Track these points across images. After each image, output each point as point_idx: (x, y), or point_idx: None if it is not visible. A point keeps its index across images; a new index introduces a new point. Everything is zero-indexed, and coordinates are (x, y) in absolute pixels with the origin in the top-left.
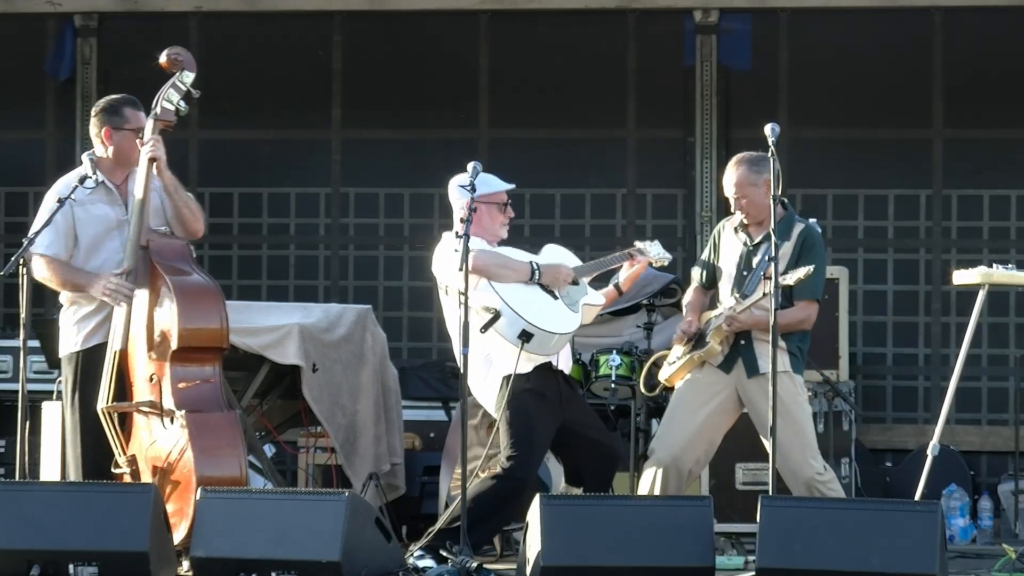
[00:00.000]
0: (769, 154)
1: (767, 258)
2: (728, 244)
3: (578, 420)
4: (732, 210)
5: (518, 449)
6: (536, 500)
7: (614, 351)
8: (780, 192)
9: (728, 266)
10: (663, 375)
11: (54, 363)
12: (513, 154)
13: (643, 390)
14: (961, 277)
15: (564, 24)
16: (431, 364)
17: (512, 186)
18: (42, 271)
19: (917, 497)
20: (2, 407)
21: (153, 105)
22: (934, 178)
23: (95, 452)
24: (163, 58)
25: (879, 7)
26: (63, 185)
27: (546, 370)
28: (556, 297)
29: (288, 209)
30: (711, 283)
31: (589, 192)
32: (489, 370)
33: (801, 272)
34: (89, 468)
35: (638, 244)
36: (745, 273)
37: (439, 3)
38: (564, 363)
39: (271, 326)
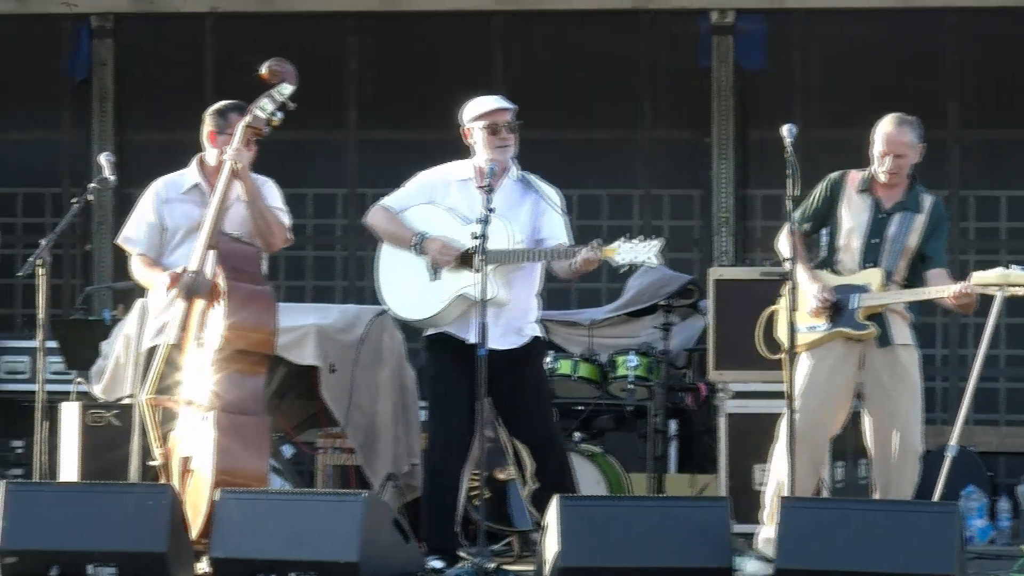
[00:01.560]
0: (787, 155)
1: (903, 231)
2: (850, 205)
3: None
4: (878, 167)
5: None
6: (554, 501)
7: (631, 352)
8: (798, 192)
9: (853, 230)
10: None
11: (72, 364)
12: (529, 155)
13: (764, 351)
14: (979, 278)
15: (579, 25)
16: None
17: (499, 105)
18: (137, 270)
19: (935, 498)
20: (21, 408)
21: (246, 112)
22: (951, 179)
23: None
24: (264, 69)
25: (894, 7)
26: (162, 185)
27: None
28: (435, 277)
29: (305, 210)
30: (812, 230)
31: (605, 193)
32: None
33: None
34: (144, 463)
35: (611, 245)
36: (875, 241)
37: (453, 4)
38: (502, 340)
39: (288, 327)
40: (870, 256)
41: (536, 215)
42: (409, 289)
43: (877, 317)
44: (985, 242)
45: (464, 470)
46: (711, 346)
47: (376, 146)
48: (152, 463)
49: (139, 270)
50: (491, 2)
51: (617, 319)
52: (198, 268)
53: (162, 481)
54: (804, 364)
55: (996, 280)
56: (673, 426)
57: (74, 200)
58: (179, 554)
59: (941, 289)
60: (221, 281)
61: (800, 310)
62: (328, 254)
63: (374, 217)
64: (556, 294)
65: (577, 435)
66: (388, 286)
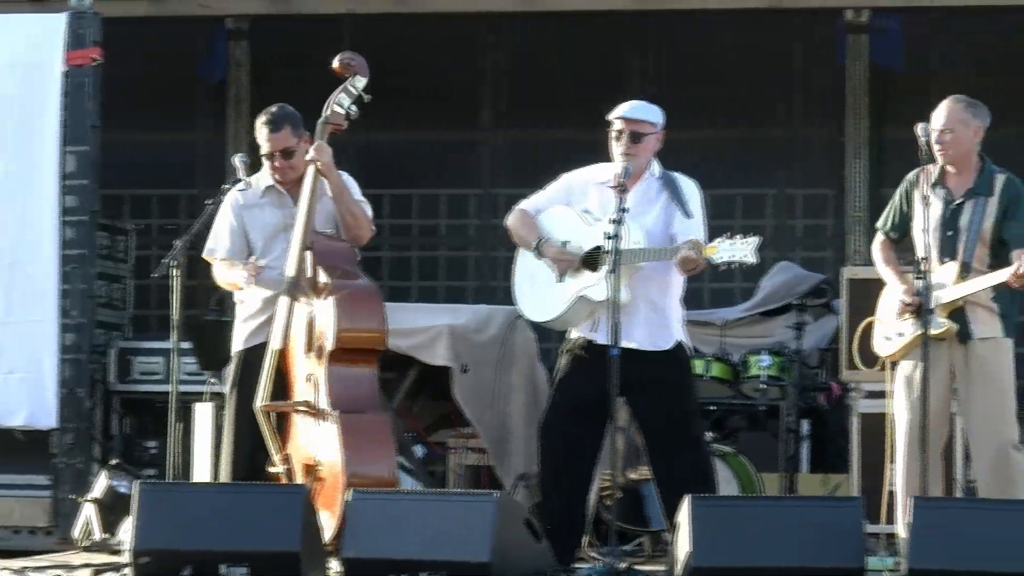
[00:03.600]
0: (922, 154)
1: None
2: (924, 200)
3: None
4: (934, 149)
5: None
6: (686, 501)
7: (764, 351)
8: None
9: (927, 225)
10: (885, 351)
11: (206, 364)
12: (663, 155)
13: (860, 366)
14: None
15: (714, 24)
16: None
17: (620, 114)
18: (221, 275)
19: None
20: (154, 408)
21: (324, 108)
22: None
23: (252, 451)
24: (336, 63)
25: None
26: (238, 191)
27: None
28: (560, 279)
29: (439, 211)
30: (902, 236)
31: (739, 192)
32: None
33: None
34: (243, 467)
35: (710, 243)
36: (950, 233)
37: (589, 4)
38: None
39: (421, 327)
40: (947, 250)
41: (669, 214)
42: (537, 291)
43: (959, 312)
44: None
45: (575, 468)
46: (844, 345)
47: (510, 147)
48: (273, 470)
49: (221, 273)
50: (627, 2)
51: (750, 319)
52: (296, 270)
53: None
54: (901, 372)
55: None
56: (805, 426)
57: (208, 202)
58: (311, 554)
59: (999, 273)
60: (325, 281)
61: (891, 317)
62: (461, 254)
63: (510, 219)
64: (689, 294)
65: (709, 435)
66: (520, 288)
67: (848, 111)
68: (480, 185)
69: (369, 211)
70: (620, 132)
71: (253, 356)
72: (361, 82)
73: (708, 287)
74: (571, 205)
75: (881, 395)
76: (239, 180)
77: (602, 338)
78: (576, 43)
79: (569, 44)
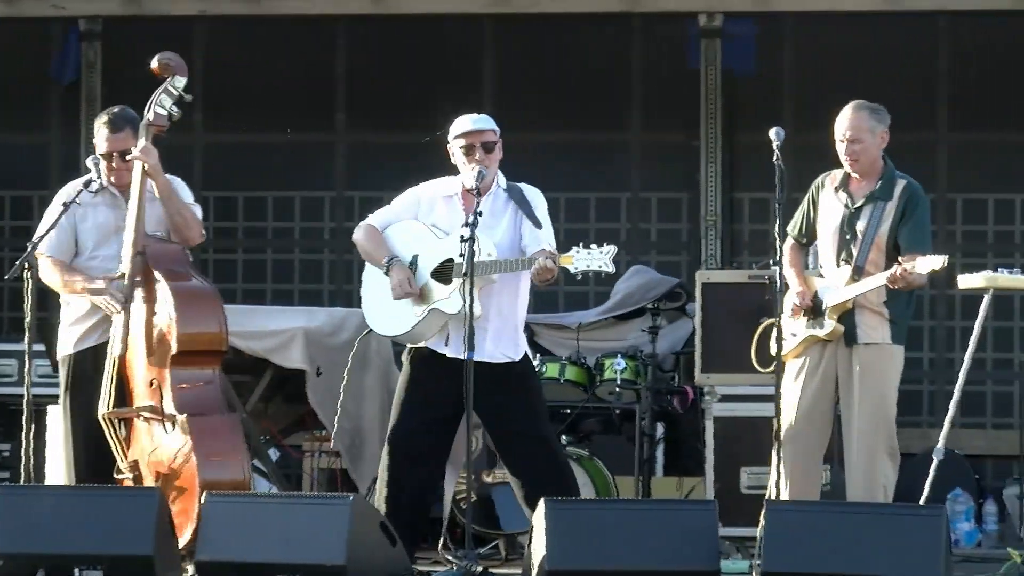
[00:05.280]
0: (775, 158)
1: (874, 222)
2: (828, 204)
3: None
4: (842, 157)
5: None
6: (541, 504)
7: (619, 355)
8: (785, 196)
9: (828, 228)
10: (781, 351)
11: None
12: (518, 158)
13: (757, 366)
14: (966, 281)
15: (568, 28)
16: None
17: (472, 127)
18: (46, 272)
19: (922, 501)
20: (7, 411)
21: (145, 111)
22: (938, 182)
23: (92, 456)
24: (154, 64)
25: (883, 10)
26: (70, 188)
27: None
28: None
29: (293, 213)
30: (809, 239)
31: (593, 196)
32: None
33: (937, 263)
34: (83, 472)
35: (567, 253)
36: (848, 237)
37: (443, 7)
38: (497, 351)
39: (275, 330)
40: (843, 253)
41: (517, 225)
42: (387, 305)
43: (848, 315)
44: (972, 245)
45: (422, 476)
46: (698, 349)
47: (364, 149)
48: (119, 476)
49: (49, 273)
50: (481, 5)
51: (605, 322)
52: (128, 273)
53: None
54: (791, 371)
55: (983, 284)
56: (660, 429)
57: (62, 204)
58: (166, 557)
59: (880, 276)
60: (162, 285)
61: (788, 317)
62: (316, 257)
63: (357, 235)
64: (544, 297)
65: (564, 438)
66: (369, 303)
67: (702, 115)
68: (334, 187)
69: (199, 213)
70: (471, 146)
71: (84, 359)
72: (181, 82)
73: (563, 290)
74: (419, 219)
75: (735, 399)
76: (91, 181)
77: (452, 351)
78: (430, 46)
79: (423, 47)
